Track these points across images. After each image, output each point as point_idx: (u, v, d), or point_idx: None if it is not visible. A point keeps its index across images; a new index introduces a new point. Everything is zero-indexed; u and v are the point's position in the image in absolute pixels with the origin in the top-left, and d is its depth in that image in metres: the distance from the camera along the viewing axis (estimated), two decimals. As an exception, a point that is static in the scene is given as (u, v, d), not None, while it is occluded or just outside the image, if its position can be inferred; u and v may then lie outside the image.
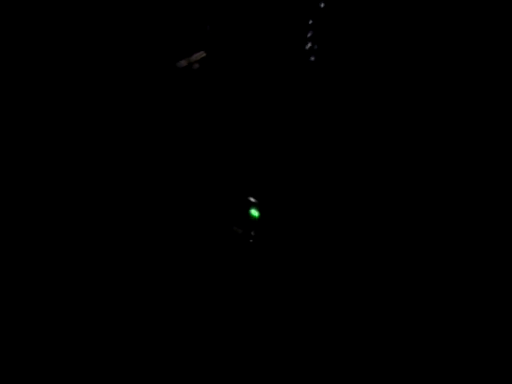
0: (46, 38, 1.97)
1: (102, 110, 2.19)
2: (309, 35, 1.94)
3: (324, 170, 2.22)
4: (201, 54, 2.39)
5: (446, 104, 1.99)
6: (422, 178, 2.05)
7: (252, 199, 2.36)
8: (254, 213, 2.36)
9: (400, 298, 2.06)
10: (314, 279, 2.20)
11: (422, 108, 1.99)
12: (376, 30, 1.92)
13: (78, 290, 1.99)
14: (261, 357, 2.06)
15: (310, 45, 1.95)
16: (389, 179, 2.11)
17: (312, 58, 1.96)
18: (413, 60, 1.97)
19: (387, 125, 2.03)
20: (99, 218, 2.07)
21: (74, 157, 2.05)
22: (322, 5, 1.88)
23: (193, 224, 2.28)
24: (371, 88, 2.00)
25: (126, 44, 2.24)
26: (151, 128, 2.28)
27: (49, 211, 2.05)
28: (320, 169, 2.22)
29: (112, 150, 2.16)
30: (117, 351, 1.93)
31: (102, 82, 2.19)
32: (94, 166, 2.09)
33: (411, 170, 2.05)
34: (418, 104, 1.99)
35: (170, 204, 2.25)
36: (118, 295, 2.03)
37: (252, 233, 2.36)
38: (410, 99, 2.00)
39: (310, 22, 1.93)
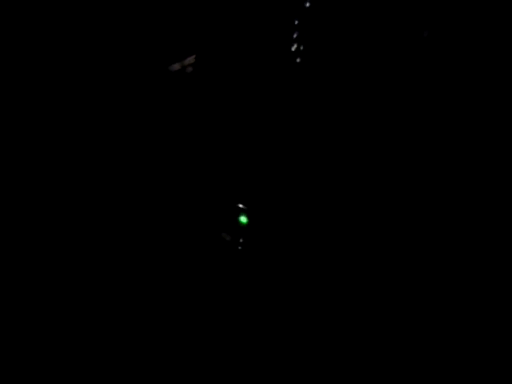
0: (34, 43, 2.02)
1: (95, 112, 2.22)
2: (295, 36, 1.87)
3: (313, 175, 2.14)
4: (193, 58, 2.37)
5: (430, 105, 1.86)
6: (406, 182, 1.93)
7: (241, 205, 2.31)
8: (243, 219, 2.31)
9: (392, 303, 1.97)
10: (303, 286, 2.13)
11: (407, 108, 1.87)
12: (363, 29, 1.82)
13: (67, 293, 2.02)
14: (243, 363, 2.01)
15: (296, 46, 1.87)
16: (382, 182, 2.00)
17: (298, 60, 1.88)
18: (401, 60, 1.85)
19: (376, 127, 1.93)
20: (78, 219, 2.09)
21: (62, 157, 2.09)
22: (308, 4, 1.81)
23: (181, 230, 2.26)
24: (359, 90, 1.90)
25: (120, 47, 2.26)
26: (142, 131, 2.29)
27: (46, 211, 2.09)
28: (309, 174, 2.15)
29: (102, 151, 2.18)
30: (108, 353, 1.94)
31: (95, 84, 2.23)
32: (79, 167, 2.11)
33: (397, 178, 1.94)
34: (404, 104, 1.88)
35: (157, 210, 2.24)
36: (102, 299, 2.04)
37: (241, 240, 2.31)
38: (398, 99, 1.88)
39: (296, 22, 1.86)
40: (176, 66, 2.45)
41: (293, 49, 1.89)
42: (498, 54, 1.90)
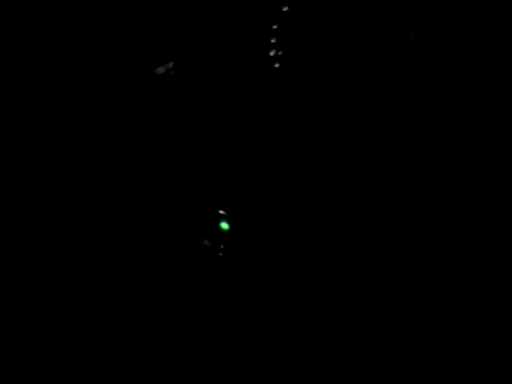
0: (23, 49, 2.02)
1: (83, 113, 2.22)
2: (272, 41, 1.82)
3: (293, 181, 2.10)
4: (172, 64, 2.35)
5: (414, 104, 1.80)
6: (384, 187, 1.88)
7: (222, 212, 2.28)
8: (224, 225, 2.29)
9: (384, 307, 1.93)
10: (284, 292, 2.11)
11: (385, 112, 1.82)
12: (341, 33, 1.77)
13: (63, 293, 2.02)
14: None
15: (274, 51, 1.83)
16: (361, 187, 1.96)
17: (277, 65, 1.84)
18: (387, 64, 1.79)
19: (356, 132, 1.87)
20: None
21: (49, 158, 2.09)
22: (286, 9, 1.76)
23: (162, 236, 2.25)
24: (337, 94, 1.85)
25: (107, 51, 2.25)
26: (127, 133, 2.28)
27: (42, 211, 2.09)
28: (289, 180, 2.11)
29: (83, 151, 2.18)
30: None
31: (84, 87, 2.22)
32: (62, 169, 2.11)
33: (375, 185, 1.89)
34: (389, 108, 1.82)
35: (139, 217, 2.23)
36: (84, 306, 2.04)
37: (221, 246, 2.28)
38: (383, 103, 1.83)
39: (275, 27, 1.81)
40: (161, 70, 2.43)
41: (271, 54, 1.85)
42: (487, 56, 1.84)
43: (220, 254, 2.28)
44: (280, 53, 1.81)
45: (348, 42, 1.84)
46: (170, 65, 2.41)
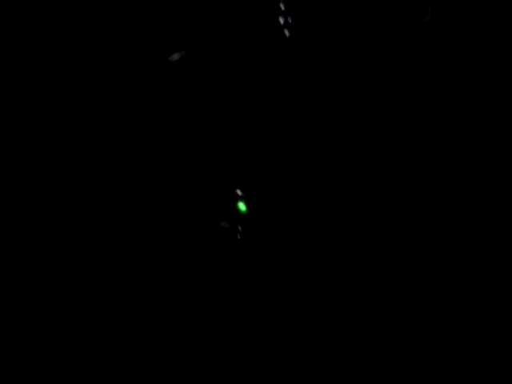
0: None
1: (93, 105, 2.27)
2: (282, 8, 1.79)
3: (313, 163, 2.03)
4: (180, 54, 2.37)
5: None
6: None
7: (239, 192, 2.23)
8: (242, 207, 2.23)
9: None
10: (304, 277, 2.02)
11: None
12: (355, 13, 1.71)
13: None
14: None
15: (283, 19, 1.79)
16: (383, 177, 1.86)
17: (287, 33, 1.80)
18: (399, 50, 1.71)
19: (373, 120, 1.79)
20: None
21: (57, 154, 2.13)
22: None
23: (177, 219, 2.22)
24: (356, 71, 1.78)
25: (119, 39, 2.31)
26: (141, 122, 2.30)
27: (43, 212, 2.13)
28: (309, 163, 2.04)
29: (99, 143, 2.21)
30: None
31: (94, 77, 2.28)
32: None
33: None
34: (402, 99, 1.72)
35: (152, 200, 2.22)
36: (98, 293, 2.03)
37: (240, 228, 2.23)
38: (395, 93, 1.73)
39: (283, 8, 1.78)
40: (175, 56, 2.46)
41: (281, 21, 1.81)
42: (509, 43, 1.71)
43: (238, 237, 2.21)
44: (290, 20, 1.77)
45: (360, 14, 1.77)
46: (183, 53, 2.43)
